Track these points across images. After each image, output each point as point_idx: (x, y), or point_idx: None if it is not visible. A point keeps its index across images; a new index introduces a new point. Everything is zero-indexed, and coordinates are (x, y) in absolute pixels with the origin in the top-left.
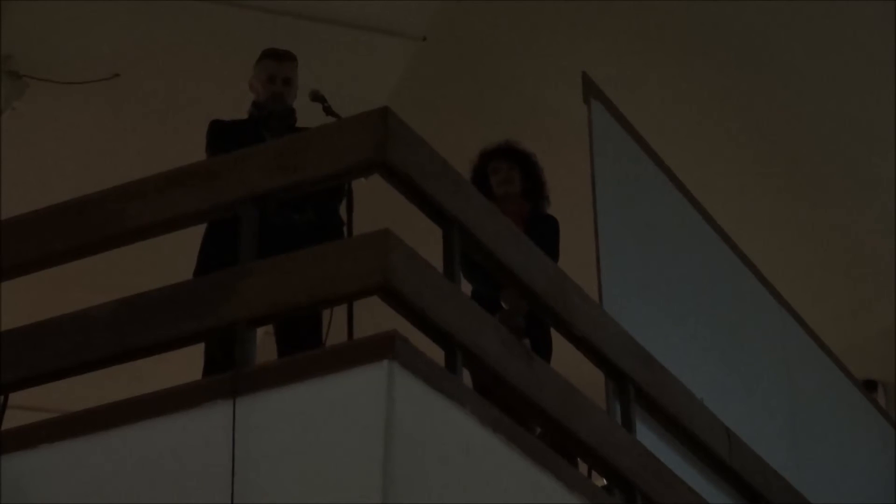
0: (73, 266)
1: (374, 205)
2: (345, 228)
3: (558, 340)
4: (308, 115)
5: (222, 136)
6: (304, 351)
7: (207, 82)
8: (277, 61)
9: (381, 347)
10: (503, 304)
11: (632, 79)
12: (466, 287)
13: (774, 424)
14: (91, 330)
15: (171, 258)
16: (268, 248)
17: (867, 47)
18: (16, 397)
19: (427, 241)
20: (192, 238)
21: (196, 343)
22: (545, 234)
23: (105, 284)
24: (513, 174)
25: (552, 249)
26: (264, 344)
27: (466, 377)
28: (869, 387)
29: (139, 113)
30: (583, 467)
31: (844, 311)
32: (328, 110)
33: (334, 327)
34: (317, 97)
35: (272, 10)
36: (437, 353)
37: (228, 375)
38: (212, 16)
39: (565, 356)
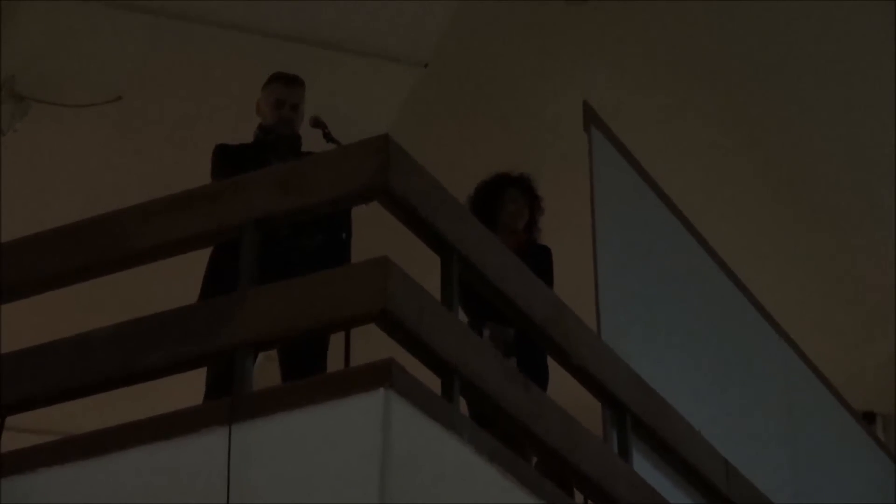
0: (74, 289)
1: (374, 232)
2: (349, 253)
3: (556, 368)
4: (308, 141)
5: (228, 160)
6: (309, 376)
7: (211, 106)
8: (287, 86)
9: (378, 375)
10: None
11: (634, 106)
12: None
13: (772, 455)
14: (92, 353)
15: (173, 281)
16: (275, 272)
17: (873, 74)
18: (15, 419)
19: (427, 269)
20: (195, 261)
21: (196, 368)
22: (540, 263)
23: (107, 307)
24: (525, 211)
25: (547, 279)
26: (267, 370)
27: (463, 406)
28: (868, 419)
29: (142, 136)
30: (579, 497)
31: (844, 342)
32: (328, 136)
33: (331, 355)
34: (317, 123)
35: (275, 35)
36: (433, 382)
37: (225, 401)
38: (215, 40)
39: (562, 385)
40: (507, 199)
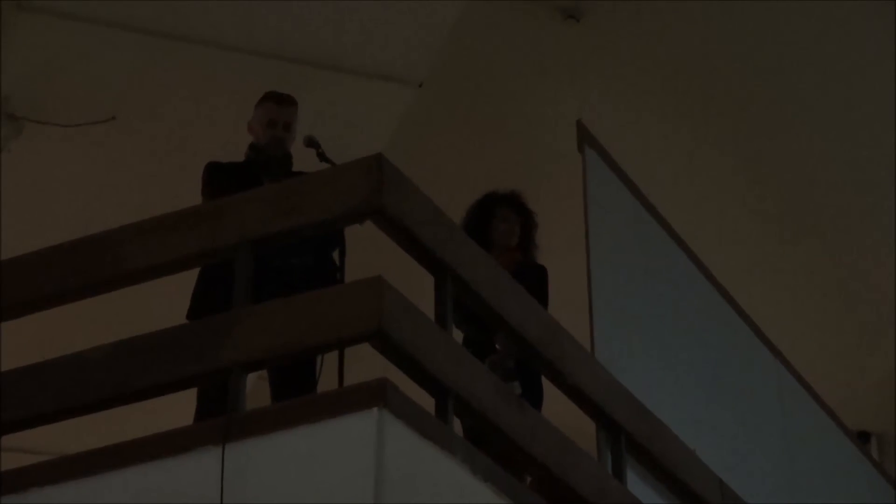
0: (69, 308)
1: (368, 251)
2: (341, 273)
3: (550, 388)
4: (302, 161)
5: (219, 178)
6: (299, 395)
7: (205, 126)
8: (279, 105)
9: (372, 395)
10: (497, 346)
11: (629, 126)
12: (458, 333)
13: (768, 475)
14: (86, 373)
15: (167, 301)
16: (263, 290)
17: (870, 85)
18: (8, 439)
19: (420, 288)
20: (189, 280)
21: (191, 387)
22: (534, 282)
23: (101, 327)
24: (517, 228)
25: (541, 298)
26: (258, 389)
27: (457, 425)
28: (862, 438)
29: (136, 156)
30: None
31: (839, 362)
32: (322, 156)
33: (325, 374)
34: (311, 143)
35: (269, 55)
36: (427, 402)
37: (219, 421)
38: (210, 60)
39: (557, 404)
40: (497, 219)
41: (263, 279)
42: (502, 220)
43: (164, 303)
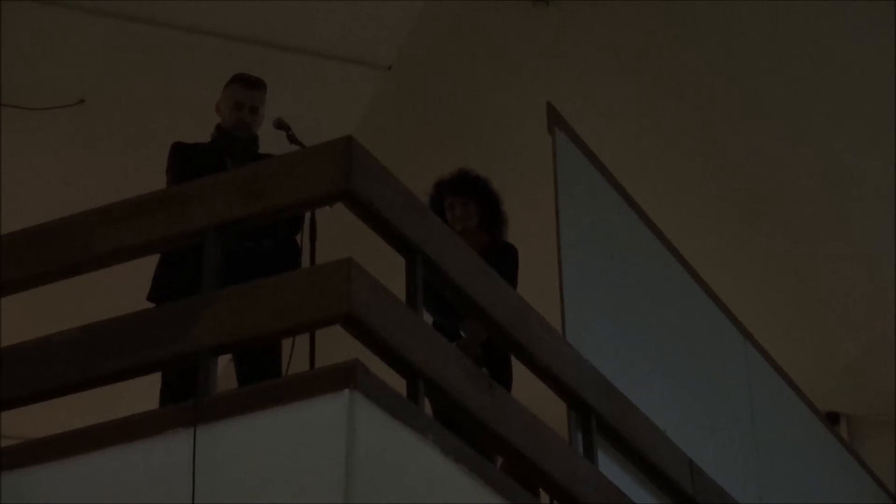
0: (35, 292)
1: (337, 234)
2: (301, 257)
3: (520, 370)
4: (272, 143)
5: (184, 159)
6: (264, 380)
7: (174, 110)
8: (247, 88)
9: (343, 377)
10: (462, 334)
11: (599, 112)
12: (427, 317)
13: (737, 456)
14: (54, 357)
15: (134, 284)
16: (224, 276)
17: (836, 85)
18: None
19: (390, 270)
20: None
21: (159, 371)
22: (504, 262)
23: (68, 311)
24: (468, 209)
25: (510, 278)
26: (231, 372)
27: (428, 407)
28: (831, 419)
29: (105, 140)
30: (544, 498)
31: (809, 344)
32: (292, 138)
33: (296, 357)
34: (281, 125)
35: (239, 38)
36: (398, 384)
37: (189, 404)
38: (179, 43)
39: (526, 386)
40: (446, 208)
41: (222, 265)
42: (449, 208)
43: (127, 287)
